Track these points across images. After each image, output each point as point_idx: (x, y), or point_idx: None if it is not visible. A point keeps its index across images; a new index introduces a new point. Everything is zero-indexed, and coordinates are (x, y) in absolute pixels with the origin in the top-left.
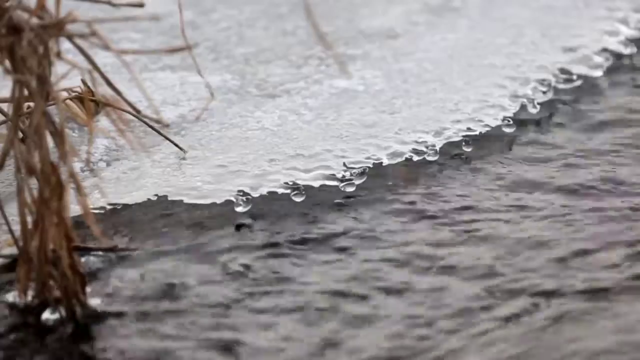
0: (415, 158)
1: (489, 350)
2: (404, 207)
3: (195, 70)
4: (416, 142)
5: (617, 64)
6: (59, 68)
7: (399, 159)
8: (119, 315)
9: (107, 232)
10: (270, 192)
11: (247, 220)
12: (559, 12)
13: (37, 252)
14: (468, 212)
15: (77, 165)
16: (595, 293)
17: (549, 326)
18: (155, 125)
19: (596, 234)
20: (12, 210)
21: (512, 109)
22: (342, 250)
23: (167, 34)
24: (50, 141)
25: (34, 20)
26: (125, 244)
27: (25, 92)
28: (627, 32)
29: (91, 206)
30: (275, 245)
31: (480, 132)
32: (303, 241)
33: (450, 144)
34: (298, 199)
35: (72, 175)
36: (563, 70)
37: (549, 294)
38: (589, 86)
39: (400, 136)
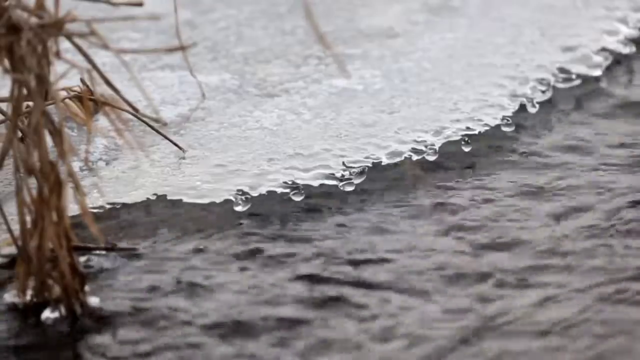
0: (415, 157)
1: None
2: (402, 205)
3: (196, 69)
4: (415, 141)
5: (616, 63)
6: (58, 67)
7: (398, 158)
8: (118, 314)
9: (106, 232)
10: (269, 192)
11: (246, 220)
12: (558, 12)
13: (36, 252)
14: (467, 211)
15: (76, 165)
16: None
17: None
18: (154, 125)
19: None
20: (11, 209)
21: (512, 108)
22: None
23: (166, 33)
24: (49, 140)
25: (33, 20)
26: (124, 244)
27: (25, 92)
28: (626, 31)
29: (90, 205)
30: (274, 244)
31: (480, 132)
32: (302, 240)
33: (449, 143)
34: (297, 198)
35: (71, 174)
36: (562, 70)
37: None
38: (588, 85)
39: (399, 135)
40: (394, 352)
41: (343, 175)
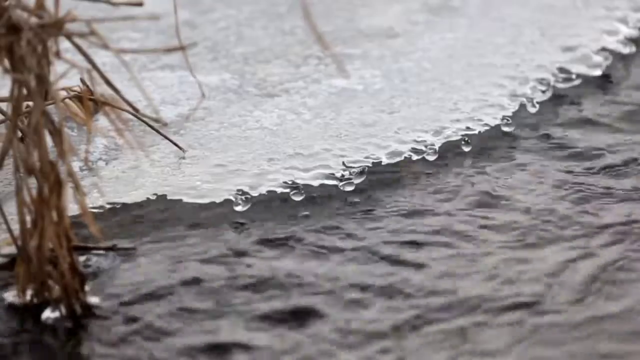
0: (415, 157)
1: None
2: (403, 205)
3: (196, 69)
4: (415, 141)
5: (616, 63)
6: (58, 67)
7: (398, 158)
8: (118, 313)
9: (106, 232)
10: (269, 192)
11: (247, 219)
12: (558, 12)
13: (36, 252)
14: (466, 211)
15: (76, 165)
16: None
17: None
18: (154, 125)
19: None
20: (11, 209)
21: (512, 108)
22: (339, 249)
23: (166, 33)
24: (49, 140)
25: (33, 20)
26: (124, 243)
27: (25, 92)
28: (626, 31)
29: (90, 205)
30: (274, 244)
31: (480, 132)
32: (301, 240)
33: (449, 143)
34: (297, 198)
35: (71, 174)
36: (562, 70)
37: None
38: (588, 85)
39: (399, 135)
40: None
41: (343, 175)
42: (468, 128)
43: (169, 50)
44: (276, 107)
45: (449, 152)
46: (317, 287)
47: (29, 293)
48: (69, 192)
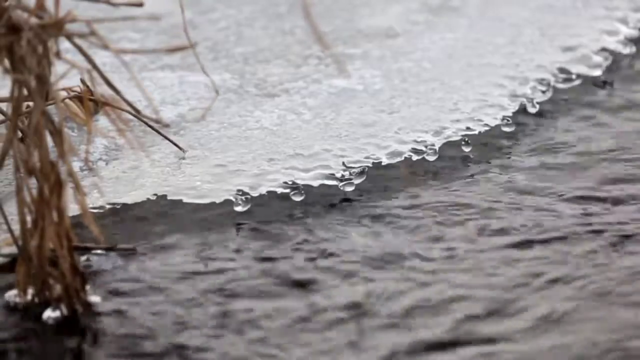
0: (415, 157)
1: None
2: (403, 206)
3: (196, 69)
4: (415, 141)
5: (616, 63)
6: (58, 67)
7: (398, 159)
8: (119, 313)
9: (106, 232)
10: (269, 192)
11: (247, 219)
12: (557, 12)
13: (37, 251)
14: (467, 212)
15: (76, 165)
16: None
17: None
18: (155, 125)
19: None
20: (11, 209)
21: (512, 108)
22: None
23: (167, 33)
24: (49, 140)
25: (33, 20)
26: (124, 244)
27: (25, 92)
28: (626, 31)
29: (90, 205)
30: (274, 244)
31: (480, 132)
32: (301, 240)
33: (449, 144)
34: (297, 198)
35: (71, 174)
36: (562, 70)
37: None
38: (588, 85)
39: (399, 136)
40: None
41: (343, 175)
42: (468, 128)
43: (170, 50)
44: (276, 107)
45: (449, 152)
46: (317, 286)
47: (29, 293)
48: (69, 192)
